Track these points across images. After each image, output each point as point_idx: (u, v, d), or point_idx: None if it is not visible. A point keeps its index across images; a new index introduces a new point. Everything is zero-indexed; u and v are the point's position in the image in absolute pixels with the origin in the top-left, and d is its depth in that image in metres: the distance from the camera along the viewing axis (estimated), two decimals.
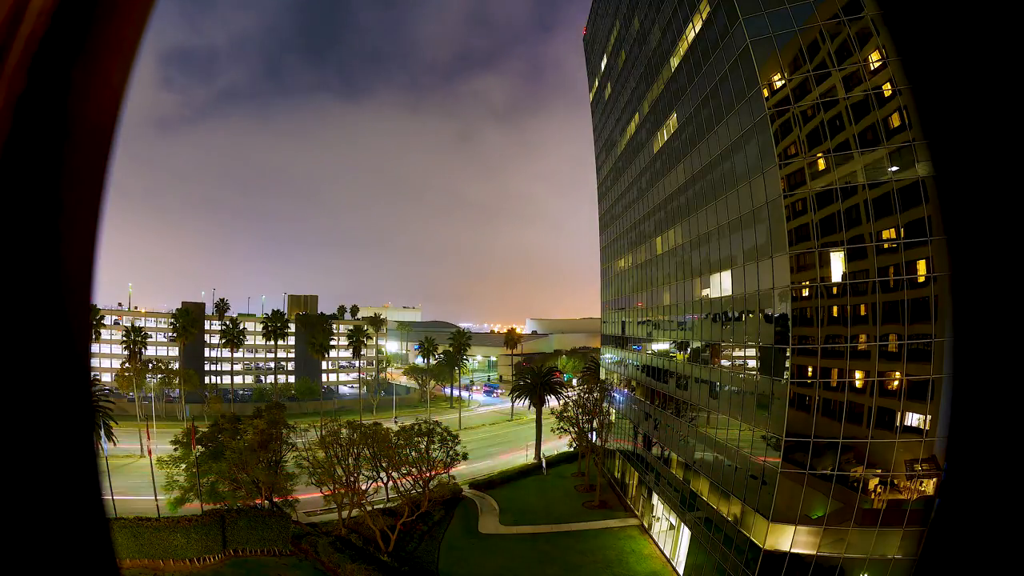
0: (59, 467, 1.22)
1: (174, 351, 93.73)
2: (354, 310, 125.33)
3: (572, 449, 58.78)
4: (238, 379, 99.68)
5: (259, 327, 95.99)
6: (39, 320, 1.17)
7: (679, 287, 42.02)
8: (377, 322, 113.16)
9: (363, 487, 40.26)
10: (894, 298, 24.87)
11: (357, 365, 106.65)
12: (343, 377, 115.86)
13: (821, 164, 26.93)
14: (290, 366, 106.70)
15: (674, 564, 38.04)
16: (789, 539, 26.93)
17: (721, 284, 35.04)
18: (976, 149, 1.53)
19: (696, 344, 39.19)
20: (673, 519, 39.53)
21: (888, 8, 1.88)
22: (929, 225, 23.63)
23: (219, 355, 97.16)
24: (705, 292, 37.64)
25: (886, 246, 25.09)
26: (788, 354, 27.37)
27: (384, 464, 40.45)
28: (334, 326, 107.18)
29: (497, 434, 79.60)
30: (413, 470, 40.71)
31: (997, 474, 1.55)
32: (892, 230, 24.99)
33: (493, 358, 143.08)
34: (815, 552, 26.28)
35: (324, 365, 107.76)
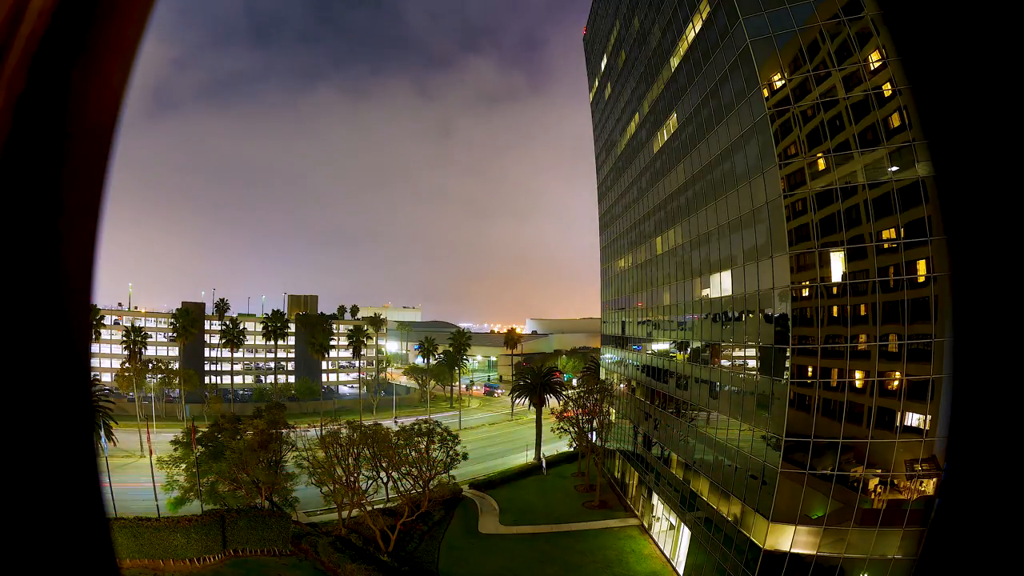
0: (59, 467, 1.22)
1: (174, 351, 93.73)
2: (354, 310, 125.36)
3: (572, 449, 58.78)
4: (238, 379, 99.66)
5: (259, 327, 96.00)
6: (39, 320, 1.17)
7: (679, 287, 42.02)
8: (377, 322, 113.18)
9: (363, 487, 40.27)
10: (894, 298, 24.88)
11: (357, 365, 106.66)
12: (343, 377, 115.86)
13: (821, 164, 26.94)
14: (290, 366, 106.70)
15: (674, 564, 38.04)
16: (789, 539, 26.93)
17: (721, 284, 35.04)
18: (976, 149, 1.53)
19: (696, 344, 39.20)
20: (673, 519, 39.53)
21: (888, 8, 1.88)
22: (929, 225, 23.63)
23: (219, 355, 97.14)
24: (705, 292, 37.65)
25: (886, 246, 25.10)
26: (788, 354, 27.37)
27: (384, 464, 40.45)
28: (334, 326, 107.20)
29: (497, 434, 79.64)
30: (413, 470, 40.72)
31: (997, 474, 1.55)
32: (892, 230, 25.00)
33: (493, 358, 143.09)
34: (815, 552, 26.28)
35: (324, 365, 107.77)
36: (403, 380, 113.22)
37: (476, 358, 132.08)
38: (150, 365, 76.43)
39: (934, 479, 24.21)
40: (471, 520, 45.81)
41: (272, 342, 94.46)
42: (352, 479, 39.52)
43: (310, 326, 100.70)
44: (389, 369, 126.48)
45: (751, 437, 30.36)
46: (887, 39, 23.90)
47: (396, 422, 52.63)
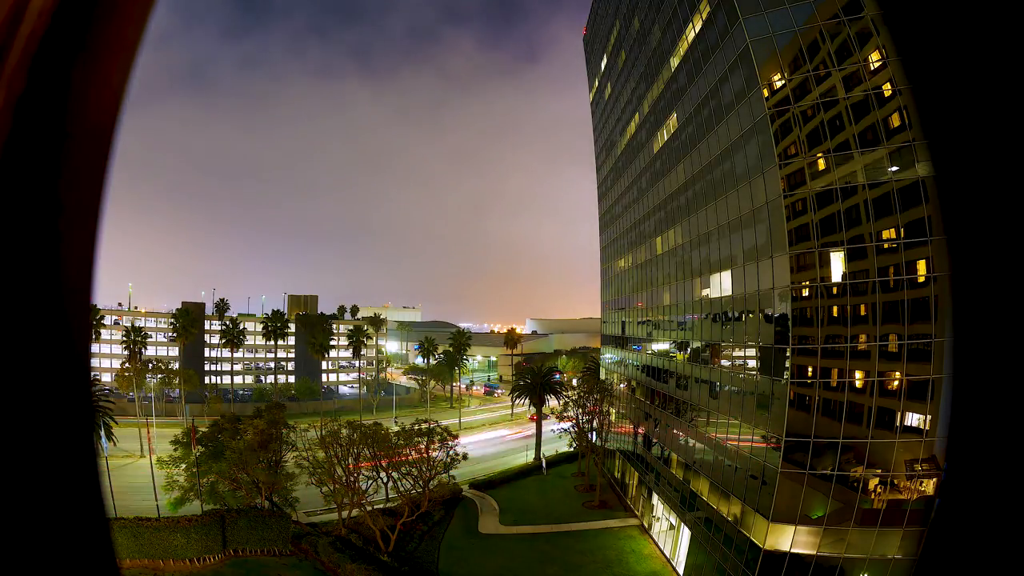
0: (59, 467, 1.22)
1: (174, 351, 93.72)
2: (354, 310, 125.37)
3: (572, 449, 58.79)
4: (238, 379, 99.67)
5: (259, 327, 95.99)
6: (39, 320, 1.17)
7: (679, 287, 42.02)
8: (377, 322, 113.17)
9: (363, 487, 40.28)
10: (894, 298, 24.88)
11: (357, 365, 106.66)
12: (343, 377, 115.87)
13: (821, 164, 26.94)
14: (290, 366, 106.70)
15: (674, 564, 38.04)
16: (789, 539, 26.93)
17: (721, 284, 35.05)
18: (976, 149, 1.53)
19: (696, 344, 39.20)
20: (673, 519, 39.53)
21: (888, 8, 1.88)
22: (929, 225, 23.63)
23: (219, 355, 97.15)
24: (705, 292, 37.65)
25: (886, 246, 25.10)
26: (788, 354, 27.38)
27: (384, 464, 40.45)
28: (334, 326, 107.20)
29: (497, 434, 79.62)
30: (413, 470, 40.73)
31: (997, 474, 1.55)
32: (892, 230, 25.00)
33: (493, 358, 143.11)
34: (815, 552, 26.28)
35: (324, 365, 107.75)
36: (403, 380, 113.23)
37: (476, 358, 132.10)
38: (150, 365, 76.42)
39: (934, 479, 24.21)
40: (471, 520, 45.81)
41: (272, 342, 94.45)
42: (352, 479, 39.52)
43: (310, 326, 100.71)
44: (389, 369, 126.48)
45: (751, 437, 30.36)
46: (887, 39, 23.90)
47: (396, 422, 52.62)
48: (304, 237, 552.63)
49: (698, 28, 35.84)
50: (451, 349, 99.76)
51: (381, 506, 41.62)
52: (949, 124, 1.61)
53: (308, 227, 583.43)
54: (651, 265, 48.61)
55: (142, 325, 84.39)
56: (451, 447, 41.74)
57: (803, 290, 27.66)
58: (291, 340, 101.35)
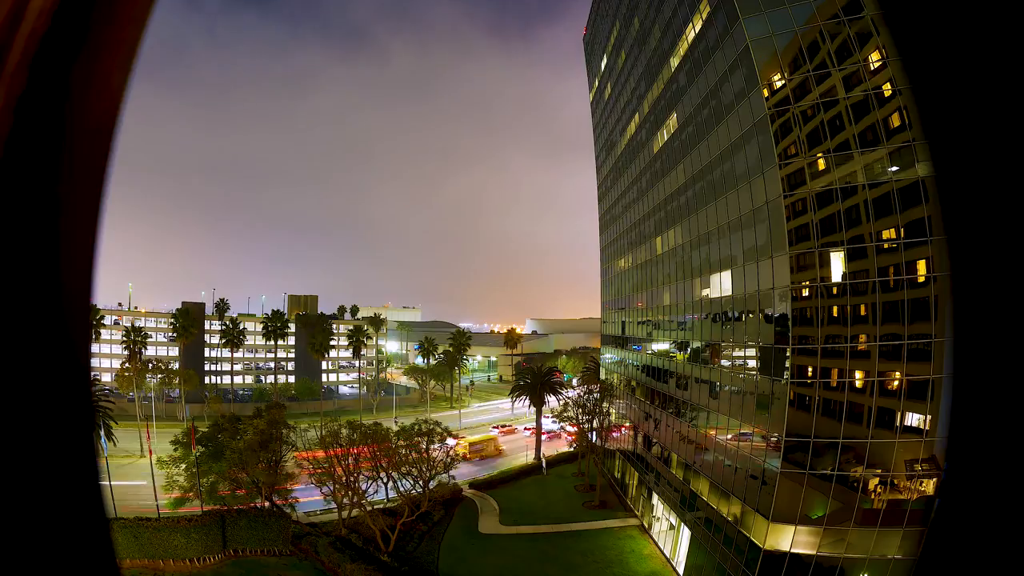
0: (59, 467, 1.22)
1: (174, 351, 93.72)
2: (354, 310, 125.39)
3: (572, 449, 58.79)
4: (238, 379, 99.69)
5: (259, 327, 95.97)
6: (39, 320, 1.17)
7: (679, 287, 42.03)
8: (377, 322, 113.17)
9: (363, 487, 40.28)
10: (894, 298, 24.87)
11: (357, 365, 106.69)
12: (343, 377, 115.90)
13: (821, 164, 26.94)
14: (290, 366, 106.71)
15: (674, 564, 38.04)
16: (789, 539, 26.93)
17: (721, 284, 35.05)
18: (976, 149, 1.53)
19: (696, 344, 39.20)
20: (673, 519, 39.53)
21: (888, 8, 1.88)
22: (929, 225, 23.63)
23: (219, 355, 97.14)
24: (705, 292, 37.65)
25: (886, 246, 25.10)
26: (788, 354, 27.37)
27: (384, 464, 40.47)
28: (334, 326, 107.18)
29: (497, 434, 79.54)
30: (413, 470, 40.73)
31: (997, 474, 1.55)
32: (892, 230, 25.00)
33: (493, 358, 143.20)
34: (815, 552, 26.28)
35: (324, 365, 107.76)
36: (403, 380, 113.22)
37: (476, 358, 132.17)
38: (150, 365, 76.39)
39: (934, 479, 24.20)
40: (471, 520, 45.81)
41: (272, 342, 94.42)
42: (352, 479, 39.52)
43: (310, 326, 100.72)
44: (389, 369, 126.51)
45: (751, 437, 30.37)
46: (887, 39, 23.90)
47: (396, 422, 52.64)
48: (304, 237, 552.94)
49: (698, 28, 35.85)
50: (451, 349, 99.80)
51: (381, 506, 41.64)
52: (949, 124, 1.61)
53: (308, 227, 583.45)
54: (651, 265, 48.62)
55: (142, 325, 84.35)
56: (451, 448, 41.77)
57: (803, 290, 27.65)
58: (291, 340, 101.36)
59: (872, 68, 25.48)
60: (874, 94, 25.23)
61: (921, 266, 24.42)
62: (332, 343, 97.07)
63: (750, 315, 31.47)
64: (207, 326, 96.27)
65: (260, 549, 37.81)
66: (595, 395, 54.31)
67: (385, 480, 40.71)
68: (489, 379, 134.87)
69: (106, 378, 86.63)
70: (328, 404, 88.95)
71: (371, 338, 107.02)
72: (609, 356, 65.15)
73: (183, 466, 41.57)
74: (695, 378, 38.53)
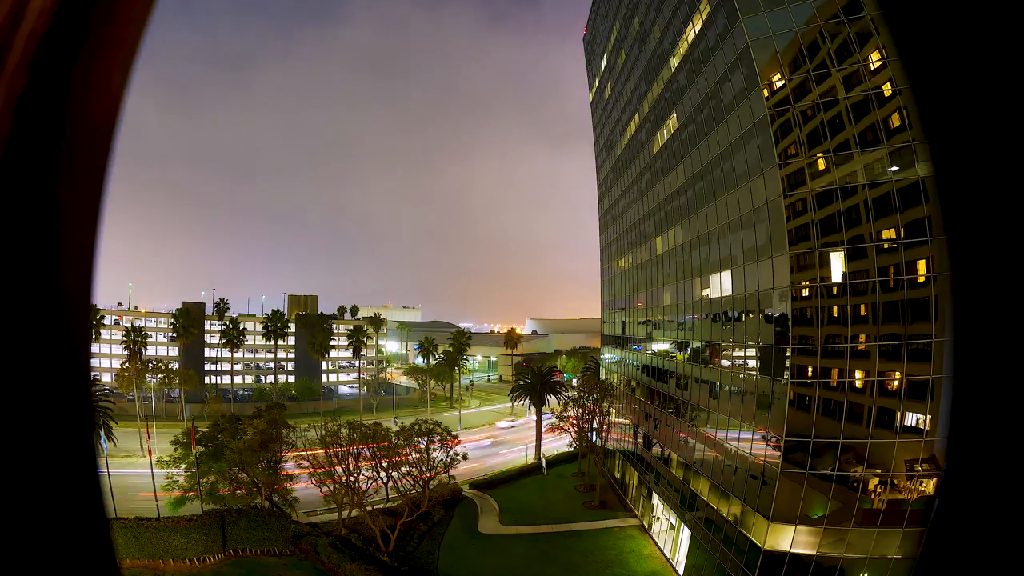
0: (59, 467, 1.22)
1: (174, 351, 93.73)
2: (354, 310, 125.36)
3: (572, 449, 58.79)
4: (238, 379, 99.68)
5: (259, 327, 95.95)
6: (39, 320, 1.17)
7: (679, 287, 42.03)
8: (377, 322, 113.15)
9: (363, 487, 40.28)
10: (894, 298, 24.87)
11: (357, 365, 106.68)
12: (343, 377, 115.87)
13: (821, 164, 26.94)
14: (290, 366, 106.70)
15: (674, 564, 38.04)
16: (789, 539, 26.93)
17: (721, 284, 35.05)
18: (976, 149, 1.53)
19: (696, 344, 39.20)
20: (673, 519, 39.53)
21: (888, 8, 1.88)
22: (929, 225, 23.62)
23: (219, 355, 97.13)
24: (705, 292, 37.65)
25: (886, 246, 25.09)
26: (788, 354, 27.37)
27: (384, 464, 40.46)
28: (334, 326, 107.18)
29: (497, 434, 79.62)
30: (413, 470, 40.73)
31: (997, 474, 1.55)
32: (892, 230, 25.00)
33: (493, 358, 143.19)
34: (815, 552, 26.28)
35: (324, 365, 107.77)
36: (403, 380, 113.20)
37: (476, 358, 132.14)
38: (150, 365, 76.41)
39: (934, 479, 24.20)
40: (471, 520, 45.80)
41: (272, 342, 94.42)
42: (352, 479, 39.52)
43: (310, 326, 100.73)
44: (389, 369, 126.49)
45: (751, 437, 30.36)
46: (887, 39, 23.89)
47: (396, 422, 52.63)
48: (305, 237, 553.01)
49: (698, 28, 35.85)
50: (451, 349, 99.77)
51: (381, 506, 41.63)
52: (949, 124, 1.61)
53: (309, 227, 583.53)
54: (651, 265, 48.62)
55: (142, 325, 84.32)
56: (451, 448, 41.75)
57: (803, 290, 27.65)
58: (291, 340, 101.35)
59: (872, 68, 25.48)
60: (874, 94, 25.23)
61: (921, 266, 24.42)
62: (332, 343, 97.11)
63: (750, 315, 31.47)
64: (207, 326, 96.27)
65: (260, 549, 37.79)
66: (595, 395, 54.30)
67: (385, 480, 40.71)
68: (489, 379, 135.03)
69: (106, 378, 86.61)
70: (328, 404, 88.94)
71: (371, 338, 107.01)
72: (609, 356, 65.14)
73: (183, 466, 41.55)
74: (695, 378, 38.53)
